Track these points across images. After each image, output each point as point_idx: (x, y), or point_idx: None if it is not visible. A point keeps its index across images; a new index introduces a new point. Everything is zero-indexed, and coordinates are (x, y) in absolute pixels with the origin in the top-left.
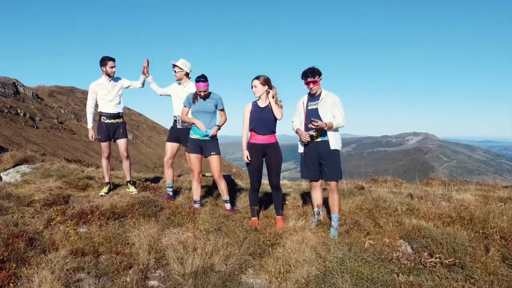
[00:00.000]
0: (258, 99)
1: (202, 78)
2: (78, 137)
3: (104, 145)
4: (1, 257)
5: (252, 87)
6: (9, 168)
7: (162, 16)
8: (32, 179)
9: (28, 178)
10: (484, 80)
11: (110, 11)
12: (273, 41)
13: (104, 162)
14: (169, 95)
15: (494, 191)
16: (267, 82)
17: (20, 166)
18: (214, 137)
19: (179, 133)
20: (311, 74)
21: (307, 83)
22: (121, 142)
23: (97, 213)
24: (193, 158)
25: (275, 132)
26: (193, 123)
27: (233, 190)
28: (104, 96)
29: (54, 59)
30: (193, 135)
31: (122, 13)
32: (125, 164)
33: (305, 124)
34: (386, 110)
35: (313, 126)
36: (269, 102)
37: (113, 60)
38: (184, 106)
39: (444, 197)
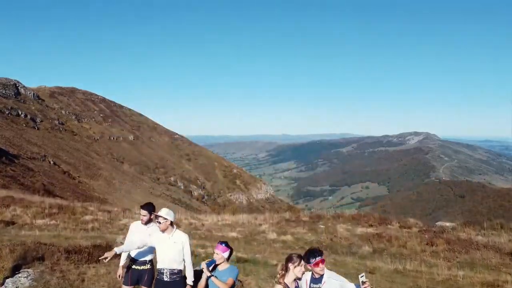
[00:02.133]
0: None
1: (225, 242)
2: (79, 138)
3: None
4: None
5: (317, 267)
6: (7, 277)
7: (165, 17)
8: None
9: None
10: (485, 79)
11: (111, 11)
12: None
13: None
14: (151, 246)
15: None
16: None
17: (19, 276)
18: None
19: (169, 287)
20: (318, 253)
21: (316, 264)
22: None
23: None
24: None
25: None
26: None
27: None
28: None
29: (55, 58)
30: None
31: (123, 13)
32: None
33: None
34: (386, 110)
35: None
36: (297, 281)
37: (143, 207)
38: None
39: None
